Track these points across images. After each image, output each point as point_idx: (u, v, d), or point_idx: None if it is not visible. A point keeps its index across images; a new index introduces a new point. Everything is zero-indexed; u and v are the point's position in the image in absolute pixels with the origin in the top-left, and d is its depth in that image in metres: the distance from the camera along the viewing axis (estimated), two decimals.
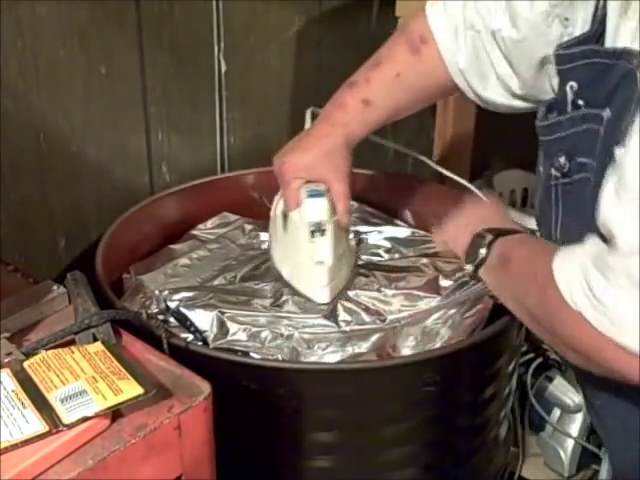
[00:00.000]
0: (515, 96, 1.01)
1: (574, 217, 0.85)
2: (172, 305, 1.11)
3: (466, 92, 1.06)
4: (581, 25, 0.86)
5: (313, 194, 1.10)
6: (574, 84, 0.81)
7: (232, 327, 1.08)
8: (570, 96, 0.82)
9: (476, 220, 1.00)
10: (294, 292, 1.17)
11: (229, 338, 1.07)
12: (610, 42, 0.80)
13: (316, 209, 1.11)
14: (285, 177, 1.12)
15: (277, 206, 1.20)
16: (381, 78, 1.10)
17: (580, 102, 0.81)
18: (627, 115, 0.73)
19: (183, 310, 1.10)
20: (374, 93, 1.10)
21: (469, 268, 0.95)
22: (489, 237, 0.93)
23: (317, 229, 1.11)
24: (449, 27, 1.03)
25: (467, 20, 1.01)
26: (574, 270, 0.73)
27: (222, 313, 1.09)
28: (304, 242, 1.12)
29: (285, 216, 1.17)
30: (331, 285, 1.14)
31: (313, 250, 1.12)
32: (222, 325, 1.08)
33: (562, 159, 0.83)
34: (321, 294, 1.14)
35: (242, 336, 1.07)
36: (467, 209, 1.08)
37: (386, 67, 1.10)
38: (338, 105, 1.12)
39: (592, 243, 0.73)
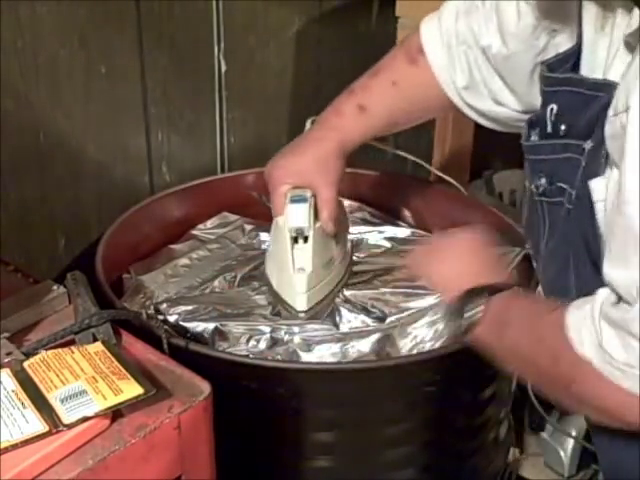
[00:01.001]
0: (514, 110, 1.01)
1: (551, 235, 0.86)
2: (171, 319, 1.11)
3: (461, 108, 1.06)
4: (569, 36, 0.87)
5: (295, 199, 1.10)
6: (554, 107, 0.83)
7: (232, 338, 1.08)
8: (550, 118, 0.83)
9: (470, 270, 0.94)
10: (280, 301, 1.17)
11: (229, 350, 1.07)
12: (587, 60, 0.81)
13: (297, 215, 1.09)
14: (273, 182, 1.12)
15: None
16: (378, 85, 1.10)
17: (562, 127, 0.82)
18: (604, 147, 0.75)
19: (182, 323, 1.10)
20: (369, 99, 1.10)
21: (463, 324, 0.90)
22: (484, 296, 0.88)
23: (299, 235, 1.10)
24: (442, 44, 1.03)
25: (460, 35, 1.01)
26: (585, 324, 0.72)
27: (222, 325, 1.09)
28: (287, 248, 1.11)
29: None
30: (310, 293, 1.12)
31: (294, 257, 1.11)
32: (222, 337, 1.08)
33: (542, 180, 0.84)
34: (299, 301, 1.12)
35: (242, 346, 1.07)
36: (461, 253, 0.98)
37: (384, 75, 1.10)
38: (334, 111, 1.13)
39: (601, 295, 0.72)
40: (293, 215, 1.10)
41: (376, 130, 1.13)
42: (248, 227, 1.37)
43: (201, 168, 1.47)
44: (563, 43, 0.88)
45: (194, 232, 1.36)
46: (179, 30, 1.36)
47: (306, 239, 1.10)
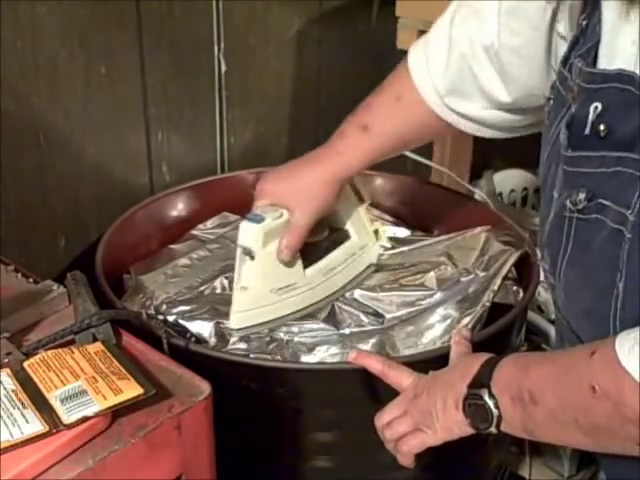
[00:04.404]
0: (502, 108, 1.01)
1: (581, 255, 0.79)
2: (170, 318, 1.11)
3: (445, 117, 1.04)
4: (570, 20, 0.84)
5: (251, 217, 1.07)
6: (599, 106, 0.74)
7: (232, 337, 1.08)
8: (592, 118, 0.75)
9: (439, 390, 0.85)
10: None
11: (229, 347, 1.07)
12: (607, 50, 0.76)
13: (245, 233, 1.07)
14: (255, 194, 1.10)
15: None
16: (381, 102, 1.07)
17: (602, 127, 0.74)
18: None
19: (182, 322, 1.10)
20: (372, 118, 1.07)
21: (493, 430, 0.79)
22: (484, 392, 0.79)
23: (247, 253, 1.07)
24: (425, 53, 1.03)
25: (453, 41, 1.00)
26: None
27: (221, 324, 1.09)
28: (236, 264, 1.09)
29: None
30: (247, 314, 1.09)
31: (237, 273, 1.09)
32: (221, 335, 1.08)
33: (582, 195, 0.76)
34: (232, 319, 1.09)
35: (242, 344, 1.07)
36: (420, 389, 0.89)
37: (388, 91, 1.07)
38: (339, 132, 1.09)
39: None
40: (241, 233, 1.08)
41: (383, 150, 1.09)
42: None
43: (201, 168, 1.47)
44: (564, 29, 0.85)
45: (194, 232, 1.36)
46: (179, 30, 1.36)
47: (252, 258, 1.07)
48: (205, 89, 1.44)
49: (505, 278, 1.18)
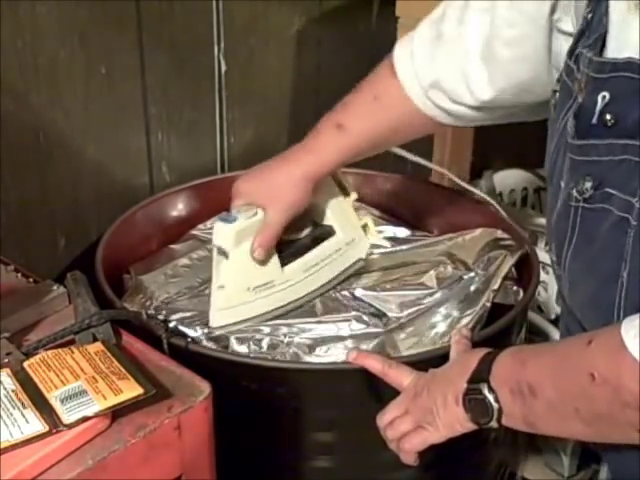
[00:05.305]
0: (474, 106, 1.01)
1: (586, 245, 0.79)
2: (170, 325, 1.11)
3: (427, 110, 1.04)
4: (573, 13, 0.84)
5: (224, 218, 1.09)
6: (607, 95, 0.74)
7: (232, 342, 1.08)
8: (599, 106, 0.75)
9: (437, 387, 0.86)
10: None
11: (230, 351, 1.07)
12: (617, 41, 0.75)
13: (217, 233, 1.09)
14: (231, 194, 1.11)
15: None
16: (359, 101, 1.07)
17: (608, 117, 0.74)
18: None
19: (182, 328, 1.10)
20: (348, 117, 1.07)
21: (494, 425, 0.80)
22: (483, 386, 0.79)
23: (221, 253, 1.09)
24: (407, 54, 1.03)
25: (442, 34, 1.00)
26: None
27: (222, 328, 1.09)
28: (213, 263, 1.12)
29: None
30: (225, 312, 1.10)
31: (214, 273, 1.11)
32: (221, 341, 1.08)
33: (588, 184, 0.76)
34: (211, 317, 1.10)
35: (243, 349, 1.07)
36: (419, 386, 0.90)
37: (366, 90, 1.07)
38: (314, 130, 1.10)
39: None
40: (215, 232, 1.10)
41: (358, 149, 1.09)
42: None
43: (201, 168, 1.47)
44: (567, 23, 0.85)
45: (194, 232, 1.36)
46: (179, 30, 1.36)
47: (226, 257, 1.09)
48: (205, 89, 1.44)
49: (505, 278, 1.18)
